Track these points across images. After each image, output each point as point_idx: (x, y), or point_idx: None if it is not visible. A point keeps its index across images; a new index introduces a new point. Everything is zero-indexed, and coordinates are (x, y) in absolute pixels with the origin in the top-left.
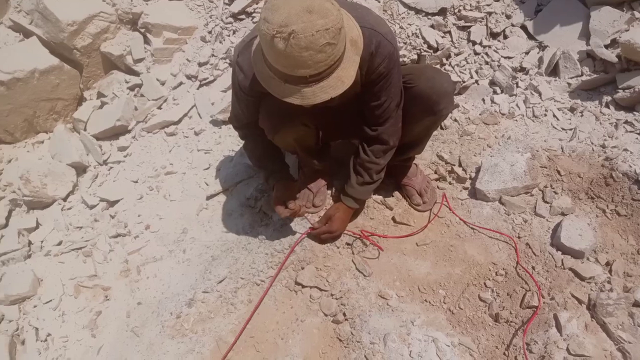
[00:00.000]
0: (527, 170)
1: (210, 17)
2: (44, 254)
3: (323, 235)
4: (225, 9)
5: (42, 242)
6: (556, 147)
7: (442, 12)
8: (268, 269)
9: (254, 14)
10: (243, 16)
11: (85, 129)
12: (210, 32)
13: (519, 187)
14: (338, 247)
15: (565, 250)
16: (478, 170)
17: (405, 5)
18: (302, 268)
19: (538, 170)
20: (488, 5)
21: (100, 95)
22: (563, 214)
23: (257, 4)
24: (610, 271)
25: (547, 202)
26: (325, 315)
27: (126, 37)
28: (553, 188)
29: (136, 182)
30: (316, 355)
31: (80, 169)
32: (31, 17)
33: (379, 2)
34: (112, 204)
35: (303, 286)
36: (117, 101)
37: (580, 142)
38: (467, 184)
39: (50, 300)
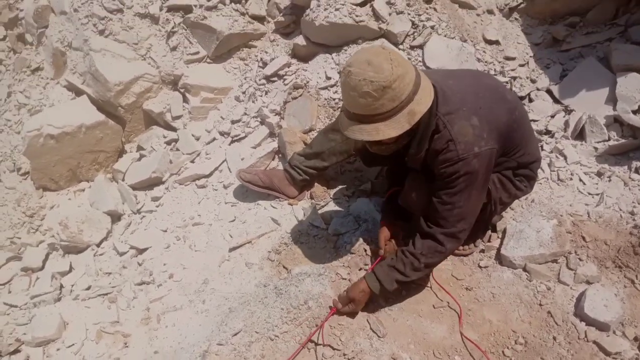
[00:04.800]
0: (554, 237)
1: (245, 79)
2: (73, 297)
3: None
4: (259, 71)
5: (72, 285)
6: (582, 212)
7: None
8: (283, 324)
9: (285, 77)
10: (275, 78)
11: (123, 179)
12: (244, 93)
13: (546, 254)
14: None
15: (589, 322)
16: (503, 236)
17: (428, 68)
18: (316, 325)
19: (565, 237)
20: (512, 70)
21: (139, 148)
22: (588, 283)
23: (288, 67)
24: (639, 347)
25: (572, 269)
26: None
27: (167, 96)
28: (578, 255)
29: (165, 231)
30: None
31: (116, 217)
32: (84, 78)
33: None
34: (140, 251)
35: (316, 344)
36: (154, 154)
37: (608, 208)
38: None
39: (73, 344)
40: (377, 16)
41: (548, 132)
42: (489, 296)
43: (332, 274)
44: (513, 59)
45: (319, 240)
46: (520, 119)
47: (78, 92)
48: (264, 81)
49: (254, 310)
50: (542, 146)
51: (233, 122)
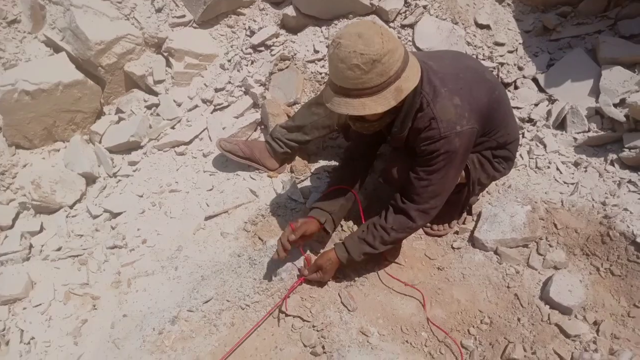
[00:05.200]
0: (526, 223)
1: (231, 47)
2: (42, 257)
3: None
4: (246, 40)
5: (42, 246)
6: (556, 200)
7: None
8: (254, 294)
9: (272, 47)
10: (262, 48)
11: (100, 142)
12: (229, 61)
13: (518, 239)
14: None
15: (553, 305)
16: (478, 219)
17: (418, 49)
18: (293, 294)
19: (538, 224)
20: (501, 56)
21: (118, 111)
22: (556, 268)
23: (276, 38)
24: (597, 331)
25: (541, 255)
26: (305, 346)
27: (149, 59)
28: (548, 241)
29: (141, 196)
30: None
31: (90, 179)
32: (63, 34)
33: None
34: (114, 215)
35: (286, 315)
36: (133, 118)
37: (581, 198)
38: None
39: (40, 304)
40: None
41: (530, 120)
42: (459, 276)
43: (306, 247)
44: (502, 44)
45: (296, 214)
46: (499, 99)
47: (57, 49)
48: (250, 50)
49: (226, 279)
50: (523, 134)
51: (216, 90)
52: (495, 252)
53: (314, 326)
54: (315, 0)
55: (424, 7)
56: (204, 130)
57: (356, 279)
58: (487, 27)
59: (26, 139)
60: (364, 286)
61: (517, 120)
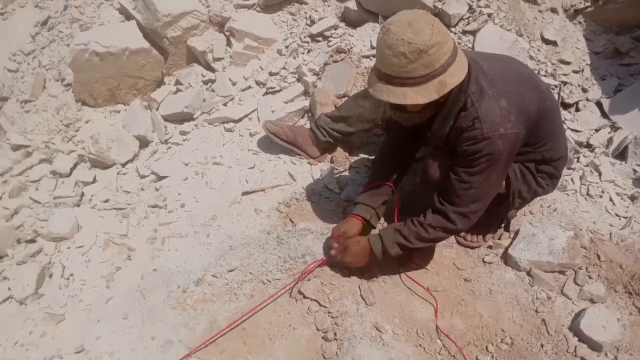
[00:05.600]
0: (566, 248)
1: (290, 34)
2: (91, 206)
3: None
4: (306, 29)
5: (92, 196)
6: (604, 231)
7: None
8: (277, 272)
9: (330, 38)
10: (320, 38)
11: (157, 109)
12: (287, 47)
13: (554, 263)
14: (349, 270)
15: (583, 338)
16: (514, 236)
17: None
18: (309, 279)
19: (578, 251)
20: (565, 74)
21: (177, 82)
22: (592, 301)
23: (335, 30)
24: None
25: (578, 285)
26: (318, 329)
27: (212, 36)
28: (588, 272)
29: (187, 164)
30: None
31: (144, 142)
32: (135, 4)
33: None
34: (160, 178)
35: (304, 296)
36: (190, 90)
37: (633, 233)
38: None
39: (82, 246)
40: None
41: (589, 146)
42: (485, 291)
43: (328, 233)
44: (568, 63)
45: (329, 203)
46: (550, 110)
47: (128, 17)
48: (308, 39)
49: (252, 252)
50: (578, 158)
51: (271, 74)
52: (528, 274)
53: (329, 312)
54: None
55: (489, 15)
56: (253, 110)
57: (379, 275)
58: (554, 43)
59: (92, 97)
60: (385, 284)
61: (570, 141)
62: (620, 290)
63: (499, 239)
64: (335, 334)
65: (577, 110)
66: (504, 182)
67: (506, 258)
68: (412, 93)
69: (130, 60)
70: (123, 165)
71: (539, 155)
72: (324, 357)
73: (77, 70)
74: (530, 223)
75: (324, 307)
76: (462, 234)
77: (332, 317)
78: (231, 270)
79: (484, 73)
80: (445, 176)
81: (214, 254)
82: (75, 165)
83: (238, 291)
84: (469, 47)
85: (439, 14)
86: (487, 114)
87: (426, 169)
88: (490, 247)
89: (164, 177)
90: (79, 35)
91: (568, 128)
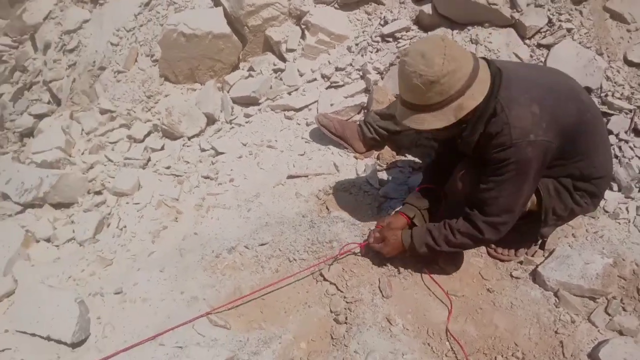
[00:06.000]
0: (600, 275)
1: (363, 32)
2: (153, 170)
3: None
4: (378, 28)
5: (157, 161)
6: None
7: (586, 90)
8: (304, 252)
9: (400, 40)
10: (390, 39)
11: (228, 91)
12: (357, 45)
13: (585, 288)
14: (372, 261)
15: None
16: (548, 255)
17: None
18: (331, 264)
19: (613, 279)
20: None
21: (250, 68)
22: (621, 333)
23: (406, 32)
24: None
25: (609, 315)
26: (331, 311)
27: (289, 28)
28: (623, 303)
29: (245, 144)
30: (305, 339)
31: (211, 120)
32: None
33: None
34: (217, 154)
35: (325, 279)
36: (260, 77)
37: None
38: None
39: (138, 203)
40: (513, 3)
41: None
42: (507, 304)
43: (364, 229)
44: None
45: (367, 197)
46: (591, 123)
47: (217, 3)
48: (378, 39)
49: (284, 231)
50: None
51: (337, 69)
52: (556, 294)
53: (345, 297)
54: (455, 3)
55: (569, 30)
56: (314, 102)
57: (401, 270)
58: (637, 65)
59: (173, 74)
60: (406, 280)
61: (634, 169)
62: None
63: (532, 256)
64: (346, 317)
65: None
66: (534, 197)
67: (535, 275)
68: (430, 118)
69: (212, 43)
70: (189, 138)
71: (576, 171)
72: (331, 337)
73: (164, 48)
74: (569, 245)
75: (341, 291)
76: (493, 245)
77: (346, 302)
78: (262, 244)
79: (519, 79)
80: (473, 186)
81: (250, 228)
82: (149, 133)
83: (265, 264)
84: (541, 62)
85: (515, 25)
86: (517, 119)
87: (454, 180)
88: (520, 262)
89: (221, 153)
90: (172, 17)
91: (636, 156)
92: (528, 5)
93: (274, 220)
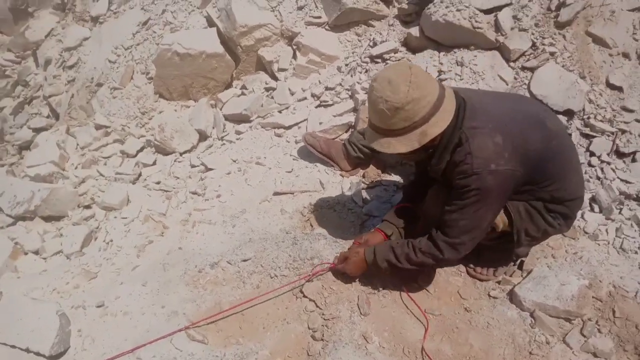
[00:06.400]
0: (575, 296)
1: (353, 53)
2: (143, 185)
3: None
4: (367, 49)
5: (147, 176)
6: (630, 289)
7: (568, 113)
8: (285, 269)
9: (388, 61)
10: (379, 60)
11: (221, 109)
12: (347, 65)
13: (560, 309)
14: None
15: None
16: (526, 276)
17: (533, 96)
18: (312, 281)
19: (588, 301)
20: (625, 122)
21: (243, 87)
22: (595, 356)
23: (395, 53)
24: None
25: (584, 336)
26: (309, 328)
27: (280, 48)
28: (598, 325)
29: (234, 161)
30: (282, 355)
31: (203, 136)
32: (219, 13)
33: (507, 85)
34: (207, 170)
35: (304, 296)
36: (252, 95)
37: None
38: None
39: (126, 218)
40: (497, 27)
41: (638, 199)
42: (483, 323)
43: (345, 246)
44: (632, 111)
45: (350, 214)
46: (558, 149)
47: (211, 24)
48: (367, 60)
49: (267, 247)
50: (621, 210)
51: (327, 88)
52: (532, 315)
53: (323, 314)
54: (439, 25)
55: (552, 53)
56: (304, 120)
57: (380, 289)
58: (619, 89)
59: (168, 91)
60: (385, 298)
61: (615, 191)
62: (631, 350)
63: (511, 276)
64: (323, 334)
65: (634, 160)
66: (503, 219)
67: (512, 295)
68: (395, 142)
69: (205, 62)
70: (181, 154)
71: (546, 195)
72: (307, 353)
73: (159, 66)
74: (548, 266)
75: (320, 308)
76: (472, 265)
77: (324, 319)
78: (245, 260)
79: (484, 110)
80: (442, 208)
81: (234, 243)
82: (142, 148)
83: (246, 280)
84: (524, 84)
85: (500, 48)
86: (479, 149)
87: (426, 205)
88: (499, 282)
89: (210, 169)
90: (167, 36)
91: (617, 178)
92: (512, 29)
93: (257, 237)
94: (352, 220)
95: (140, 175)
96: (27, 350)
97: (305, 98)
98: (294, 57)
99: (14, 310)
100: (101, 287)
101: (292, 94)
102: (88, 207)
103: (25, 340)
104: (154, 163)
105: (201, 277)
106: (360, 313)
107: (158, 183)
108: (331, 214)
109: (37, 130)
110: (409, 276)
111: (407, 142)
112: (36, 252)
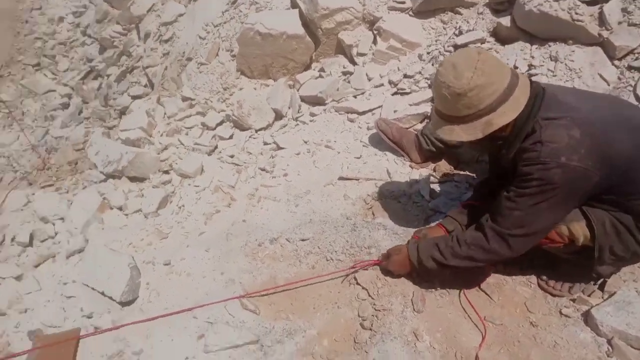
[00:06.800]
0: None
1: (436, 41)
2: (218, 157)
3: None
4: (452, 38)
5: (223, 149)
6: None
7: None
8: (341, 254)
9: None
10: None
11: (298, 90)
12: (428, 53)
13: None
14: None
15: None
16: (607, 298)
17: (637, 97)
18: (367, 269)
19: None
20: None
21: (321, 69)
22: None
23: (482, 43)
24: None
25: None
26: (359, 315)
27: (361, 33)
28: None
29: (305, 142)
30: (329, 337)
31: (279, 115)
32: None
33: (609, 85)
34: (278, 148)
35: (357, 283)
36: (329, 78)
37: None
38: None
39: (198, 186)
40: (602, 20)
41: None
42: (549, 342)
43: (405, 239)
44: None
45: (415, 208)
46: None
47: (294, 5)
48: (451, 49)
49: (326, 230)
50: None
51: (405, 76)
52: (609, 342)
53: (374, 304)
54: (533, 15)
55: None
56: (378, 107)
57: (438, 288)
58: None
59: (249, 69)
60: (442, 298)
61: None
62: None
63: (589, 295)
64: (372, 324)
65: None
66: (584, 231)
67: (587, 317)
68: (458, 130)
69: (286, 43)
70: (256, 131)
71: (637, 209)
72: (354, 340)
73: (242, 45)
74: (636, 290)
75: (372, 298)
76: (545, 277)
77: (375, 309)
78: (303, 240)
79: (564, 103)
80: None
81: (295, 222)
82: (221, 122)
83: (303, 259)
84: (631, 85)
85: (603, 44)
86: (551, 139)
87: (483, 230)
88: (573, 300)
89: (281, 148)
90: (251, 16)
91: None
92: (620, 23)
93: (318, 218)
94: (417, 214)
95: (216, 147)
96: (103, 294)
97: (382, 84)
98: (374, 42)
99: (95, 257)
100: (170, 247)
101: (369, 79)
102: (167, 172)
103: (102, 284)
104: (230, 137)
105: (260, 251)
106: (414, 309)
107: (231, 157)
108: (395, 204)
109: (135, 98)
110: (470, 279)
111: (471, 130)
112: (120, 208)
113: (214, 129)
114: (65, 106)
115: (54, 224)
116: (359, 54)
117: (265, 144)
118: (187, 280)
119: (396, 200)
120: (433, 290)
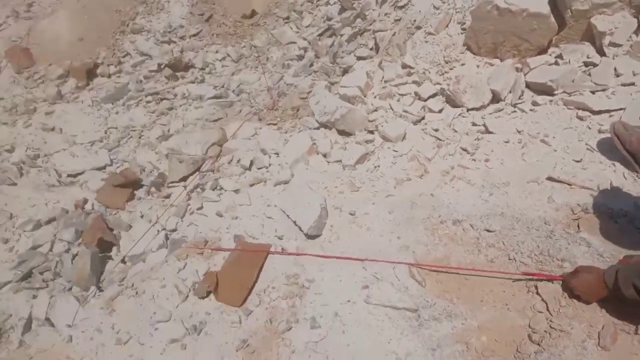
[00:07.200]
0: None
1: None
2: (422, 128)
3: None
4: None
5: (429, 121)
6: None
7: None
8: (527, 257)
9: None
10: None
11: (525, 74)
12: None
13: None
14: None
15: None
16: None
17: None
18: (552, 282)
19: None
20: None
21: (559, 56)
22: None
23: None
24: None
25: None
26: (529, 326)
27: (621, 19)
28: None
29: (519, 132)
30: (490, 335)
31: (496, 98)
32: None
33: None
34: (486, 132)
35: (537, 293)
36: (565, 67)
37: None
38: None
39: (396, 151)
40: None
41: None
42: None
43: (608, 259)
44: None
45: (636, 234)
46: None
47: None
48: None
49: (516, 228)
50: None
51: None
52: None
53: (551, 321)
54: None
55: None
56: (619, 109)
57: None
58: None
59: (477, 45)
60: None
61: None
62: None
63: None
64: (542, 340)
65: None
66: None
67: None
68: None
69: (525, 21)
70: (468, 110)
71: None
72: (517, 349)
73: (475, 19)
74: None
75: (550, 314)
76: None
77: (550, 326)
78: (488, 231)
79: None
80: None
81: (484, 211)
82: (434, 94)
83: (482, 250)
84: None
85: None
86: None
87: None
88: None
89: (490, 132)
90: None
91: None
92: None
93: (510, 214)
94: (635, 241)
95: (423, 118)
96: (295, 223)
97: (633, 84)
98: (637, 32)
99: (296, 191)
100: (358, 200)
101: (617, 75)
102: (371, 132)
103: (296, 215)
104: (440, 111)
105: (440, 228)
106: (599, 344)
107: (436, 130)
108: (610, 223)
109: (359, 59)
110: None
111: None
112: (324, 155)
113: (426, 100)
114: (300, 58)
115: (270, 156)
116: (611, 43)
117: (474, 124)
118: (366, 233)
119: (613, 220)
120: (631, 331)
